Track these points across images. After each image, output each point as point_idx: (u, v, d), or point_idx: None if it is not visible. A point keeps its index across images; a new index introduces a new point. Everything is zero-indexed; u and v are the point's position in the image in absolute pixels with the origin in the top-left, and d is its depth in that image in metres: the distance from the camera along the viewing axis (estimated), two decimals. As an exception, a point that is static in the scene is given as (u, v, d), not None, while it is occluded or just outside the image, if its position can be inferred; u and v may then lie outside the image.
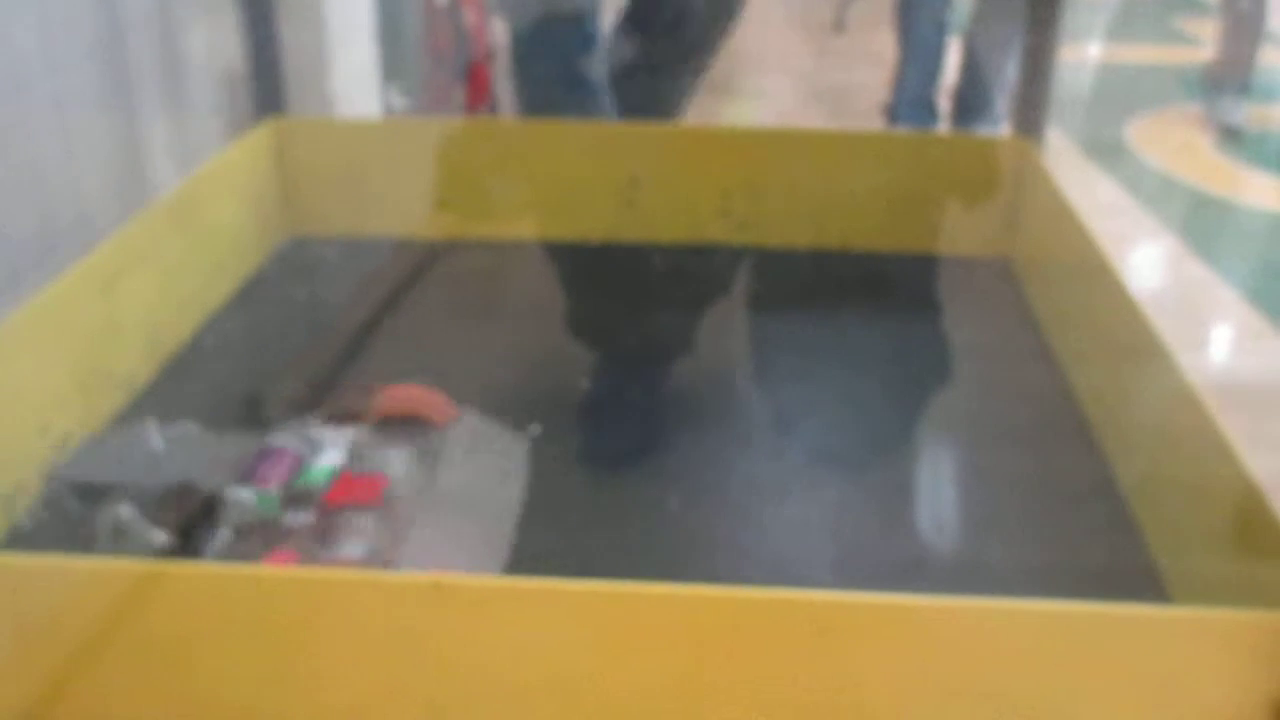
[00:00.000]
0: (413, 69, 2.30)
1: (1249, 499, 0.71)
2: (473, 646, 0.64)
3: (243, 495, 0.81)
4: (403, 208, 1.31)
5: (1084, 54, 3.72)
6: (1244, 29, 3.01)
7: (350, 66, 1.95)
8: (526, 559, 0.80)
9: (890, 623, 0.63)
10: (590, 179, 1.29)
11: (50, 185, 1.12)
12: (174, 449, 0.88)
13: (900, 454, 0.93)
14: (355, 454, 0.86)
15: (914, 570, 0.80)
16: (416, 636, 0.64)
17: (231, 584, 0.64)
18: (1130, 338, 0.91)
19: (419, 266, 1.22)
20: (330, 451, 0.87)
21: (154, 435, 0.89)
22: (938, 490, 0.90)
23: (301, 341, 1.08)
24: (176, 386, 1.01)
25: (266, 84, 1.29)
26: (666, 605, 0.63)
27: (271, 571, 0.63)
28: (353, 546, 0.79)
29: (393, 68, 2.19)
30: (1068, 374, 1.03)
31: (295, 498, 0.82)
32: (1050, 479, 0.90)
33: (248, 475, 0.83)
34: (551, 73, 1.38)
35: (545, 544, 0.83)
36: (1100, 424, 0.95)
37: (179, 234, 1.09)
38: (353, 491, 0.83)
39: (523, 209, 1.32)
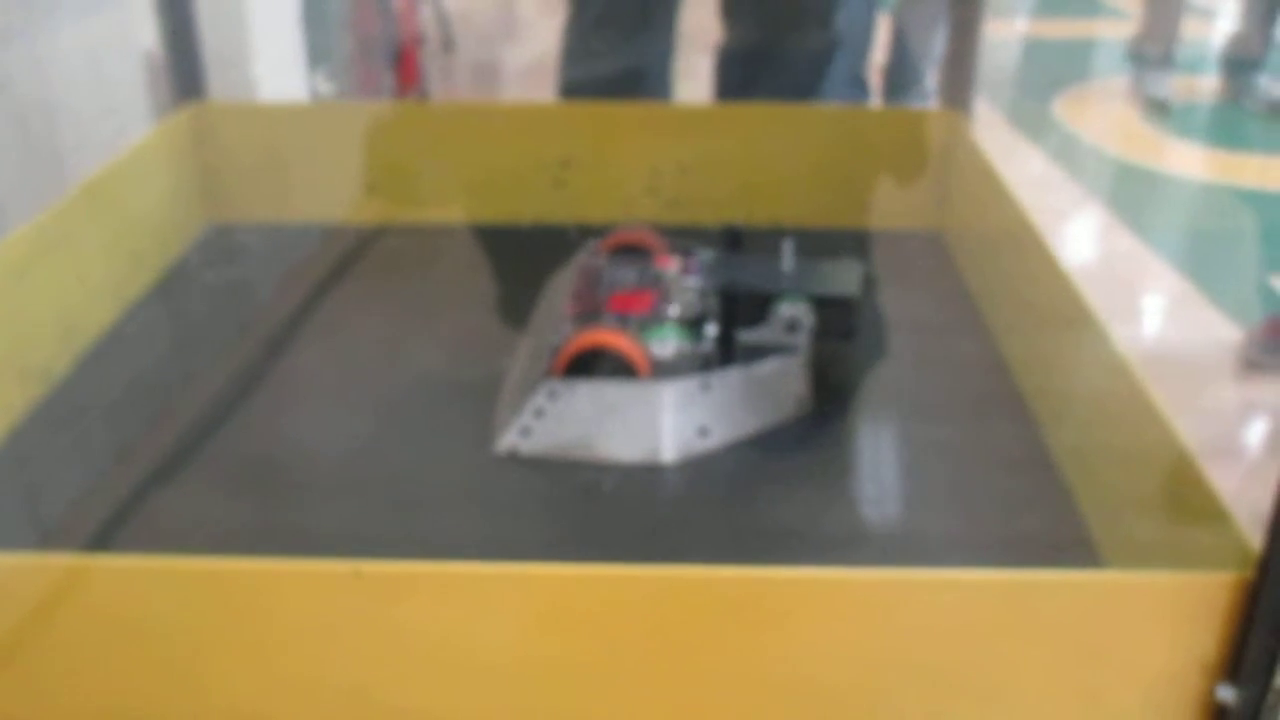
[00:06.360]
0: (339, 53, 2.27)
1: (1180, 464, 0.71)
2: (396, 631, 0.63)
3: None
4: (329, 193, 1.29)
5: (1012, 28, 3.75)
6: (1167, 1, 3.05)
7: (274, 50, 1.92)
8: (450, 545, 0.78)
9: (825, 596, 0.63)
10: (520, 161, 1.27)
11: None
12: None
13: (833, 427, 0.93)
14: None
15: (849, 543, 0.80)
16: (338, 623, 0.63)
17: (148, 576, 0.62)
18: (1061, 308, 0.91)
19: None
20: None
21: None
22: (871, 463, 0.90)
23: (226, 331, 1.06)
24: (95, 377, 0.98)
25: (186, 68, 1.26)
26: (595, 586, 0.62)
27: (188, 563, 0.62)
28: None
29: (318, 52, 2.16)
30: (999, 345, 1.03)
31: None
32: (983, 449, 0.90)
33: None
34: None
35: (471, 530, 0.82)
36: (1032, 394, 0.95)
37: (96, 222, 1.07)
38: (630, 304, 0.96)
39: (452, 193, 1.30)
